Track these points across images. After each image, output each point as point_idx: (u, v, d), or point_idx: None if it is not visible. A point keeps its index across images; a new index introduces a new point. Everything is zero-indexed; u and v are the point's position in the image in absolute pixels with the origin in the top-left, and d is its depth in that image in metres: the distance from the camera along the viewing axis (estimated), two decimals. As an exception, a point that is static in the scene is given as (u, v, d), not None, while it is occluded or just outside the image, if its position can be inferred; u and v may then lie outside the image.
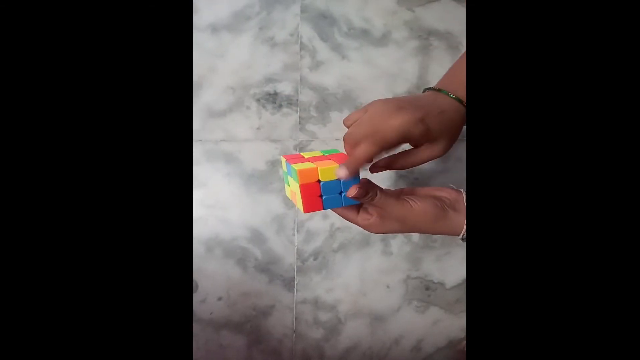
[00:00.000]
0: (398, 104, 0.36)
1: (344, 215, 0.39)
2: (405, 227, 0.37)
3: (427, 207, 0.36)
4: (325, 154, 0.38)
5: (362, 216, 0.37)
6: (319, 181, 0.35)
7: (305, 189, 0.35)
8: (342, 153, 0.38)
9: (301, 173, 0.34)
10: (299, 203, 0.37)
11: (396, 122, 0.35)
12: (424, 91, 0.41)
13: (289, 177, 0.39)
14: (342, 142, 0.37)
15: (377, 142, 0.35)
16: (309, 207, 0.36)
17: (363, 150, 0.35)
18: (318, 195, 0.36)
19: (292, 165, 0.35)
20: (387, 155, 0.40)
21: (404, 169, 0.40)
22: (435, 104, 0.37)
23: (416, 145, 0.39)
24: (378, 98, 0.37)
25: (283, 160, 0.39)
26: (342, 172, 0.34)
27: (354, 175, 0.35)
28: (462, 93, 0.37)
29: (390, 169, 0.40)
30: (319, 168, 0.34)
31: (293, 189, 0.38)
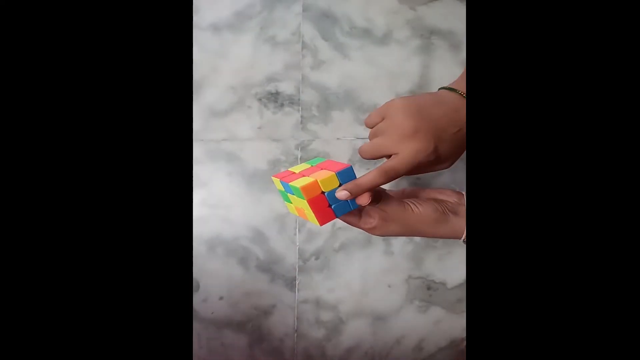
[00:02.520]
0: (415, 123, 0.36)
1: (345, 220, 0.38)
2: (407, 230, 0.37)
3: (427, 211, 0.36)
4: (313, 164, 0.38)
5: (364, 220, 0.37)
6: (323, 192, 0.35)
7: (313, 203, 0.35)
8: (329, 160, 0.38)
9: (304, 189, 0.34)
10: (311, 218, 0.36)
11: (409, 152, 0.35)
12: (444, 89, 0.39)
13: (288, 195, 0.38)
14: (343, 141, 0.37)
15: (386, 174, 0.35)
16: (323, 219, 0.36)
17: (369, 180, 0.35)
18: (327, 206, 0.36)
19: (290, 183, 0.35)
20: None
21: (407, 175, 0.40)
22: (456, 117, 0.37)
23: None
24: (380, 98, 0.37)
25: (276, 180, 0.38)
26: (343, 195, 0.35)
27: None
28: None
29: None
30: (318, 180, 0.34)
31: (299, 206, 0.37)
